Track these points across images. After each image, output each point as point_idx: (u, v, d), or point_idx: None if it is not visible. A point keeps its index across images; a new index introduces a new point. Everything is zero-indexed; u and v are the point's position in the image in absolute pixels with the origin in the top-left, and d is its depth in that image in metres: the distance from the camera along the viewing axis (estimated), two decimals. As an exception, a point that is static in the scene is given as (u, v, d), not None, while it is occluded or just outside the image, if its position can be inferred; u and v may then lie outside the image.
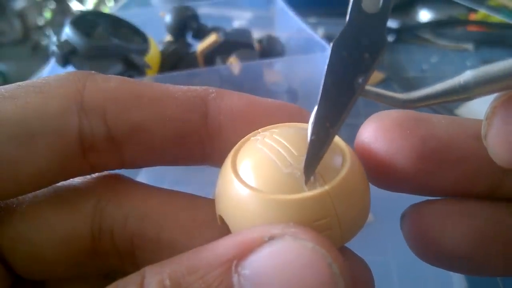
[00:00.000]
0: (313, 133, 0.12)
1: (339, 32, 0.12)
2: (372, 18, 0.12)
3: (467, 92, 0.11)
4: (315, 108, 0.12)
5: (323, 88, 0.12)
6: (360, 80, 0.12)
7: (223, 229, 0.13)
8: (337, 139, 0.14)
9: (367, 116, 0.14)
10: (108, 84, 0.14)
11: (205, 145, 0.15)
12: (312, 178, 0.12)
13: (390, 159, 0.13)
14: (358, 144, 0.14)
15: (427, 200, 0.14)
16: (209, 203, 0.15)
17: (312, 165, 0.12)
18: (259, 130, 0.14)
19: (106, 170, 0.15)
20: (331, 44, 0.12)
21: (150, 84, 0.15)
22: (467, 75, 0.11)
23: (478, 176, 0.14)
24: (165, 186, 0.16)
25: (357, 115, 0.49)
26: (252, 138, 0.14)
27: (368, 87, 0.12)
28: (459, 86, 0.11)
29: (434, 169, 0.13)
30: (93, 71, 0.14)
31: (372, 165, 0.14)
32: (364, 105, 0.50)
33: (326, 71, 0.12)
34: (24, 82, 0.14)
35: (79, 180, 0.15)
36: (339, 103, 0.12)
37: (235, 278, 0.10)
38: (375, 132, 0.13)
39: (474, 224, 0.13)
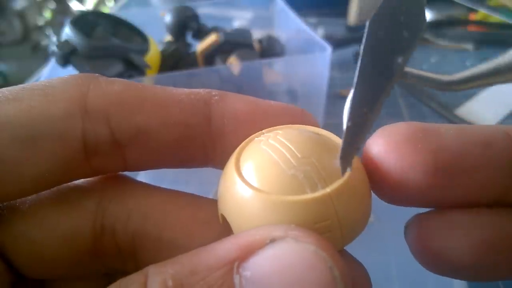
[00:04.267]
0: (349, 119, 0.11)
1: (376, 10, 0.11)
2: None
3: None
4: (351, 92, 0.11)
5: (359, 71, 0.11)
6: (399, 60, 0.11)
7: (224, 229, 0.13)
8: (339, 141, 0.14)
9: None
10: (112, 87, 0.14)
11: (208, 148, 0.15)
12: (315, 180, 0.12)
13: (402, 175, 0.13)
14: (367, 159, 0.13)
15: (432, 211, 0.14)
16: (210, 203, 0.15)
17: (349, 154, 0.11)
18: (263, 131, 0.14)
19: (109, 173, 0.15)
20: (367, 23, 0.11)
21: (154, 87, 0.15)
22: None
23: (488, 185, 0.13)
24: (165, 184, 0.16)
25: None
26: (256, 138, 0.14)
27: (407, 69, 0.11)
28: (504, 65, 0.10)
29: (446, 182, 0.13)
30: (97, 74, 0.14)
31: (382, 181, 0.13)
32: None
33: (362, 52, 0.11)
34: (28, 84, 0.14)
35: (81, 179, 0.15)
36: (377, 86, 0.11)
37: (236, 280, 0.10)
38: (385, 147, 0.13)
39: (481, 234, 0.13)
